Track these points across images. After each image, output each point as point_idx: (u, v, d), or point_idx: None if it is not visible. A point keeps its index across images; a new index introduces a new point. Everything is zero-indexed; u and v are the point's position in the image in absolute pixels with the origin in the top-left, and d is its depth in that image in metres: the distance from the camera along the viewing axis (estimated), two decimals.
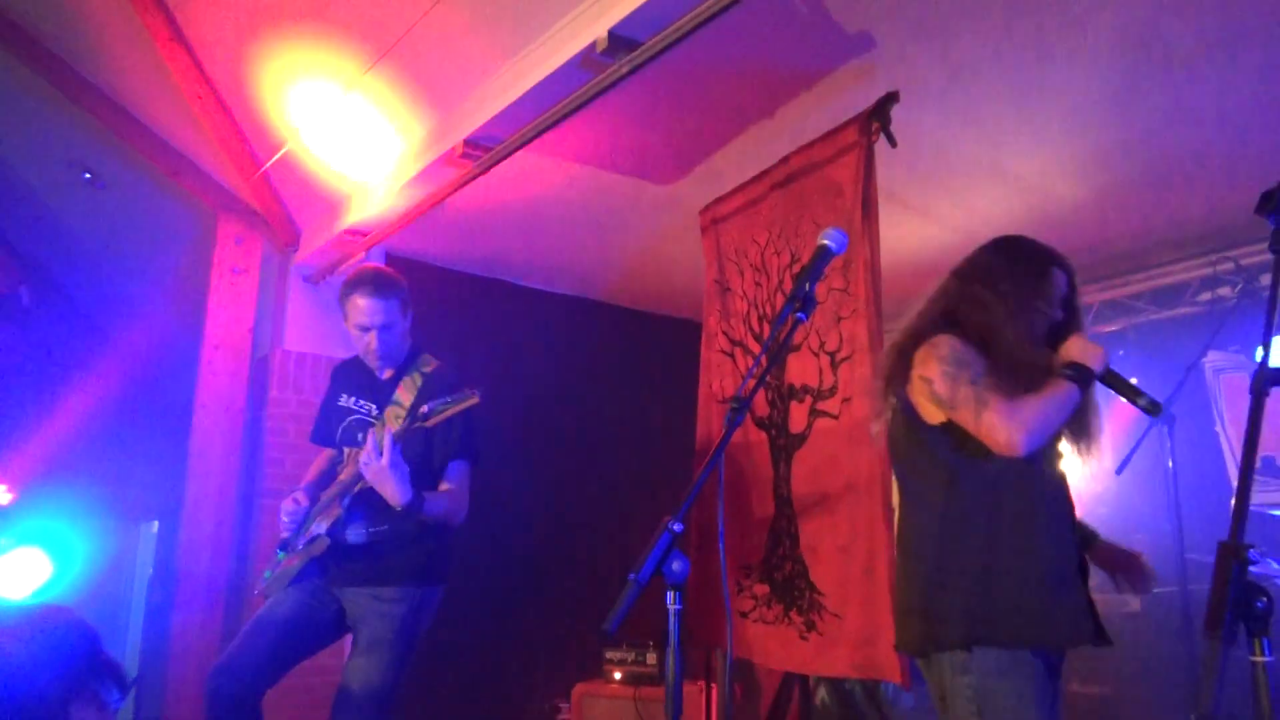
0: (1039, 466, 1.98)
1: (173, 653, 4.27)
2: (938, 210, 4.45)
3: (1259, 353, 1.39)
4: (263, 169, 4.32)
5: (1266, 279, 3.53)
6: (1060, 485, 2.04)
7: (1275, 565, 3.86)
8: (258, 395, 4.66)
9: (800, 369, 3.37)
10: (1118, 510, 4.45)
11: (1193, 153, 3.85)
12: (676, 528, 1.46)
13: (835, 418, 3.20)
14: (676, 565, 1.47)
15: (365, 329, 2.77)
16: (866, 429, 3.04)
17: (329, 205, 4.47)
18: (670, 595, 1.49)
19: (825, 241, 1.73)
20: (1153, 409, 1.95)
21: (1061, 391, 1.91)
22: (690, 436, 3.98)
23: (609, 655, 4.29)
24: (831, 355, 3.24)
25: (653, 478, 5.35)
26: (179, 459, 4.52)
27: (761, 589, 3.41)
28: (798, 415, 3.35)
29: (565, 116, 3.05)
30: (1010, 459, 1.86)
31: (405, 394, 2.81)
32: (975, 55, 3.24)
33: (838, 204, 3.23)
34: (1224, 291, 4.71)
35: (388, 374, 2.90)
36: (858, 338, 3.12)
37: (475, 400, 2.52)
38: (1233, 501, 1.26)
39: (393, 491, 2.50)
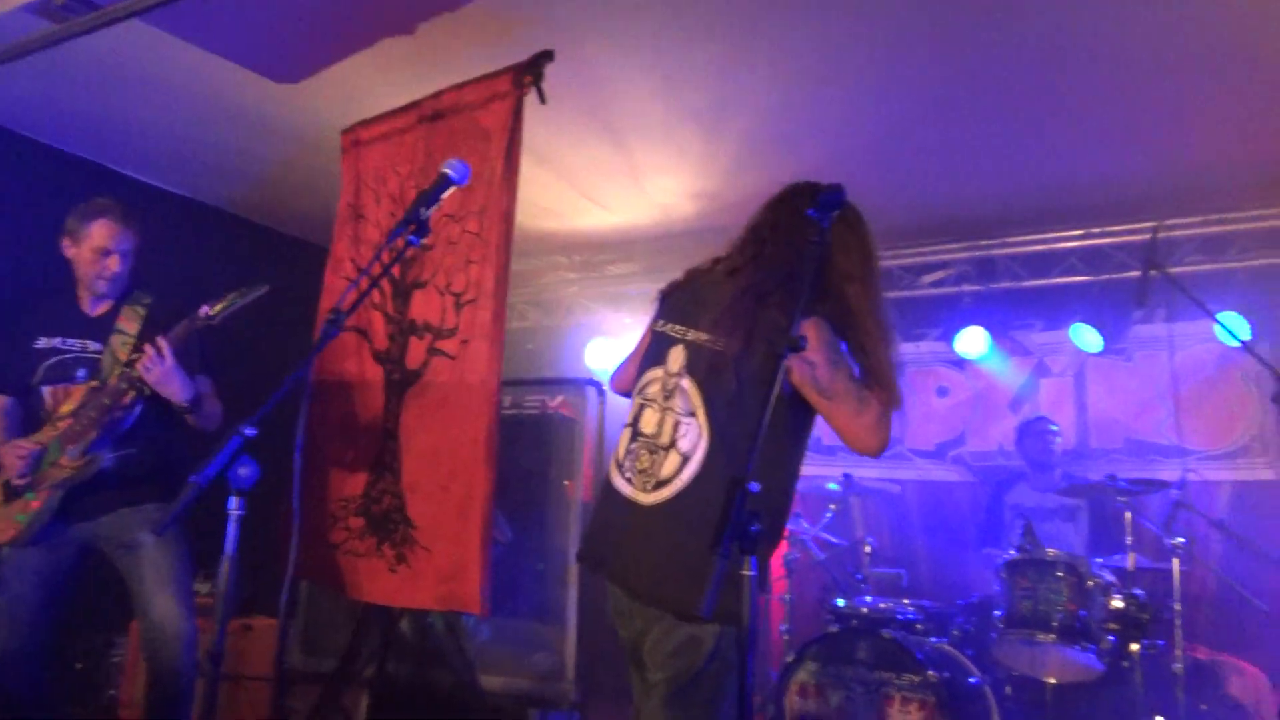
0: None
1: None
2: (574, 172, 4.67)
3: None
4: None
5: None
6: None
7: (806, 524, 4.61)
8: None
9: (424, 306, 3.36)
10: None
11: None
12: (248, 432, 1.41)
13: (452, 359, 3.24)
14: (244, 470, 1.43)
15: (108, 252, 2.89)
16: (478, 371, 3.14)
17: None
18: (234, 501, 1.43)
19: (446, 170, 1.75)
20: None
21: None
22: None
23: None
24: (456, 297, 3.27)
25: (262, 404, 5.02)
26: None
27: (357, 522, 3.37)
28: (416, 352, 3.35)
29: None
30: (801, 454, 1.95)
31: (129, 324, 2.92)
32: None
33: (483, 149, 3.25)
34: None
35: (101, 309, 2.96)
36: (484, 283, 3.18)
37: (267, 289, 2.76)
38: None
39: (177, 389, 2.74)
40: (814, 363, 1.89)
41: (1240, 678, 4.18)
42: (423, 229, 1.67)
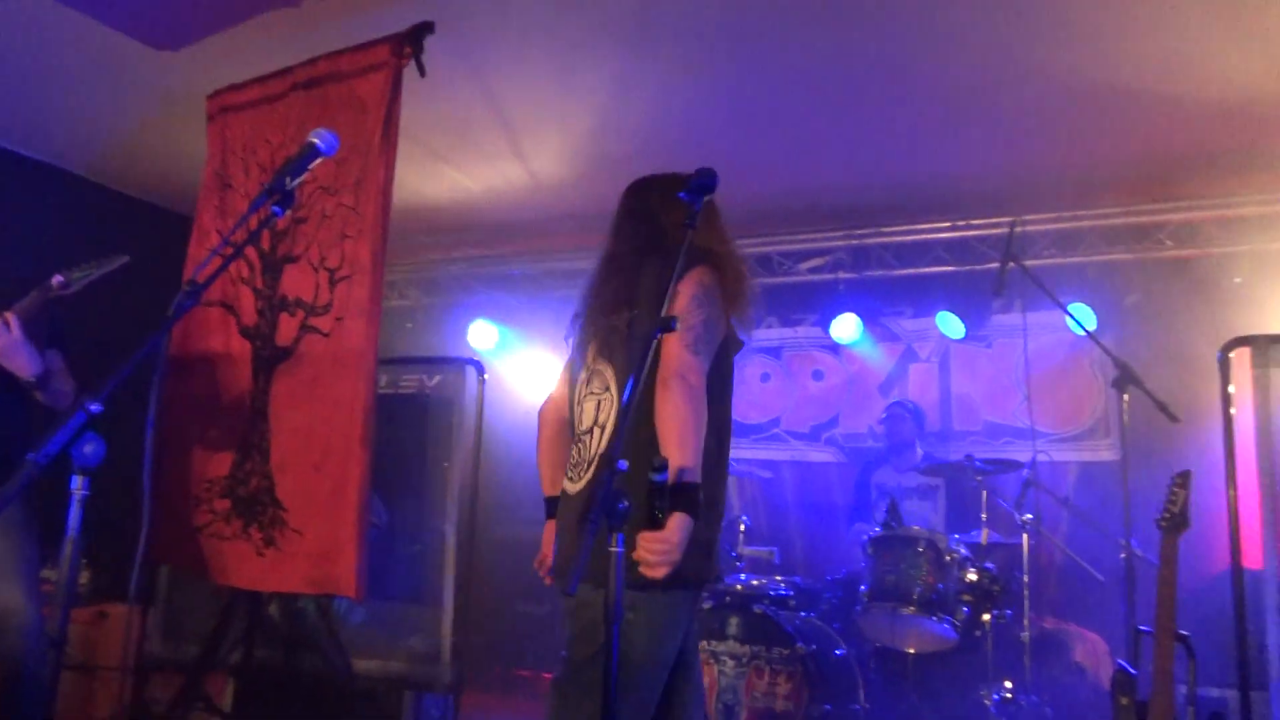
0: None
1: None
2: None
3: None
4: None
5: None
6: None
7: None
8: None
9: (296, 282, 3.25)
10: None
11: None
12: (93, 408, 1.34)
13: (326, 335, 3.15)
14: (89, 448, 1.36)
15: None
16: (354, 349, 3.06)
17: None
18: (77, 480, 1.37)
19: (314, 140, 1.69)
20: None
21: (695, 456, 1.85)
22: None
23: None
24: (331, 272, 3.18)
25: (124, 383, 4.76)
26: None
27: (223, 504, 3.25)
28: (287, 328, 3.24)
29: None
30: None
31: None
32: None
33: (360, 120, 3.17)
34: None
35: None
36: (360, 258, 3.10)
37: (126, 260, 2.64)
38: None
39: (24, 364, 2.60)
40: (692, 325, 1.93)
41: (1083, 644, 4.49)
42: (287, 199, 1.61)
